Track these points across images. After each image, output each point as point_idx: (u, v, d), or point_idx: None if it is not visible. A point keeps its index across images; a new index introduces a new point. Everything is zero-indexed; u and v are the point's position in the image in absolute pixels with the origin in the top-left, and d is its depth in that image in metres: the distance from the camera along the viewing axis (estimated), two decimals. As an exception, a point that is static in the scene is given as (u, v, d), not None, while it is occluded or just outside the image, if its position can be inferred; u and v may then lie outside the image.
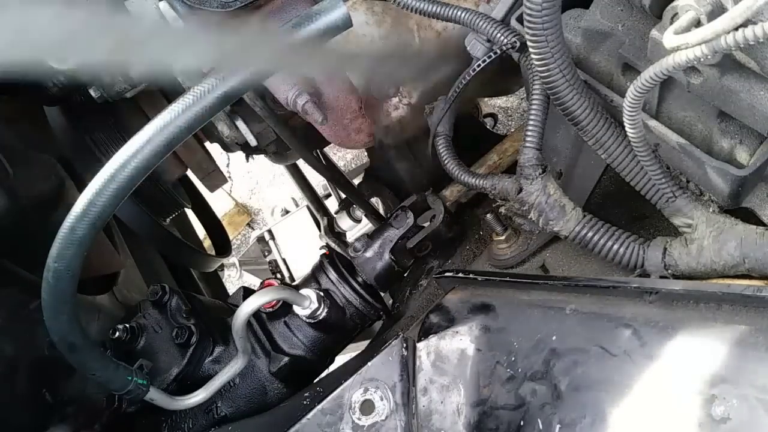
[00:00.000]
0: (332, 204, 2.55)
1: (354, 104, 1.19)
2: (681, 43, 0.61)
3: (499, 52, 0.98)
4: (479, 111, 2.24)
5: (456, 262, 1.39)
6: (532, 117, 0.93)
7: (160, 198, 1.66)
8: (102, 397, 1.09)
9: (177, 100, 0.77)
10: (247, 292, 1.27)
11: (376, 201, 1.79)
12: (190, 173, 1.78)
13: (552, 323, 0.82)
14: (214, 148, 1.70)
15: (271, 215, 3.57)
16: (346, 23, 0.80)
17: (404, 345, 0.91)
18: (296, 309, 1.16)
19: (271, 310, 1.20)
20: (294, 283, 1.38)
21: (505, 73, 1.11)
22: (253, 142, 1.39)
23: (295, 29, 0.79)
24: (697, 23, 0.63)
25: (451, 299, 1.01)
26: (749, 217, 0.82)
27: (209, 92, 0.76)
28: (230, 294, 1.43)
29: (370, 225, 1.82)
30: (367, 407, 0.88)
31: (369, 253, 1.28)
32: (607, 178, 1.05)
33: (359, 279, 1.27)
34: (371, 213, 1.69)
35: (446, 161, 1.12)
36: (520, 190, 0.97)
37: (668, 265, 0.85)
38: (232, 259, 3.57)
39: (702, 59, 0.61)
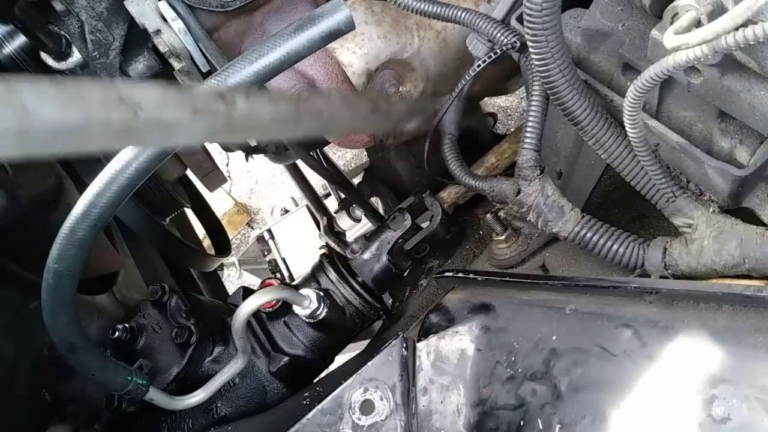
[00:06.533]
0: (332, 204, 2.55)
1: (354, 104, 1.19)
2: (681, 43, 0.61)
3: (499, 52, 0.98)
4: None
5: (456, 262, 1.39)
6: (531, 118, 0.92)
7: (159, 198, 1.66)
8: (102, 397, 1.09)
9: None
10: (246, 291, 1.27)
11: (375, 201, 1.79)
12: (189, 173, 1.78)
13: (552, 323, 0.82)
14: (213, 148, 1.71)
15: (271, 215, 3.56)
16: (349, 26, 0.80)
17: (404, 345, 0.91)
18: (296, 309, 1.16)
19: (270, 309, 1.20)
20: (294, 283, 1.38)
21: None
22: (252, 141, 1.39)
23: (298, 32, 0.78)
24: (698, 23, 0.63)
25: (451, 299, 1.01)
26: (749, 217, 0.82)
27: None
28: (230, 294, 1.43)
29: (370, 225, 1.82)
30: (367, 407, 0.88)
31: (366, 255, 1.28)
32: (607, 178, 1.05)
33: (359, 279, 1.27)
34: (371, 213, 1.69)
35: (449, 161, 1.12)
36: (519, 192, 0.97)
37: (668, 265, 0.85)
38: (232, 258, 3.57)
39: (702, 59, 0.61)
